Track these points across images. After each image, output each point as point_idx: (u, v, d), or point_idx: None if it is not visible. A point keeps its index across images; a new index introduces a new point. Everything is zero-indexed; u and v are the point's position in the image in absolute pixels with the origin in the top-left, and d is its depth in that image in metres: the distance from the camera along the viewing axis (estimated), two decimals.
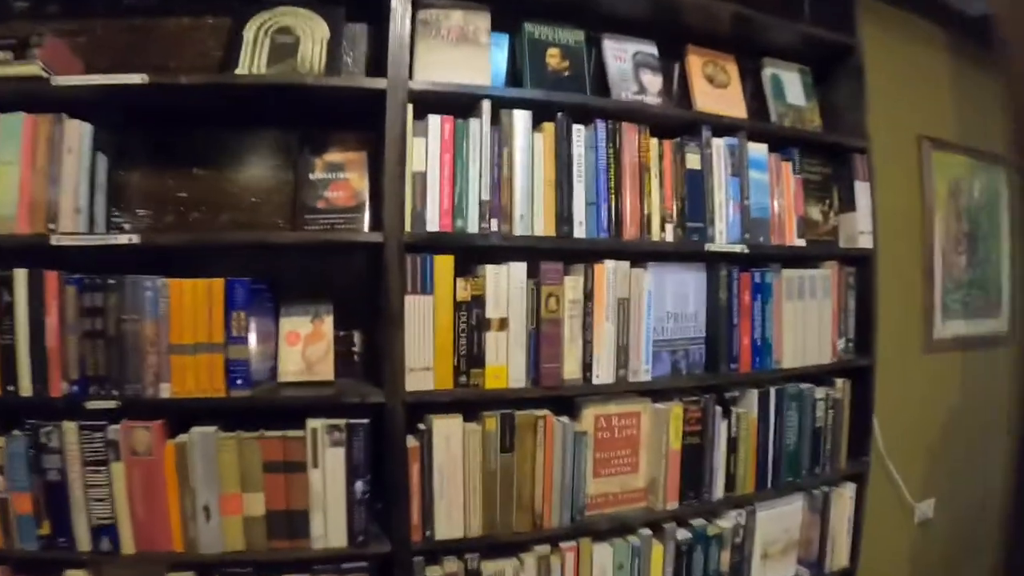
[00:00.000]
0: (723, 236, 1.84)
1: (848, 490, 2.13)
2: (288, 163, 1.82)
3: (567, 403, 1.74)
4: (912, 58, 2.69)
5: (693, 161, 1.81)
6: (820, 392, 2.03)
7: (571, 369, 1.67)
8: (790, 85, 2.18)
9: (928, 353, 2.67)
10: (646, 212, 1.74)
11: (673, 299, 1.82)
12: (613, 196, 1.70)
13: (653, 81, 1.90)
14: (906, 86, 2.62)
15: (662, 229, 1.76)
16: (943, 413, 2.80)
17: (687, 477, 1.82)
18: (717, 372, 1.85)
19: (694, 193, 1.81)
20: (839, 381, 2.07)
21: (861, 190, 2.10)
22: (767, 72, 2.13)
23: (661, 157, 1.78)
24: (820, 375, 2.05)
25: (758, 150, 1.92)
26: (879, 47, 2.30)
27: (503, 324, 1.61)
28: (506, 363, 1.61)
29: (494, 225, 1.60)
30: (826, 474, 2.07)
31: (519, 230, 1.61)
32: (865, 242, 2.09)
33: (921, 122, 2.70)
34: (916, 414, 2.67)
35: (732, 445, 1.88)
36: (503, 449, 1.62)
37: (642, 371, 1.74)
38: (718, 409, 1.86)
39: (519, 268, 1.62)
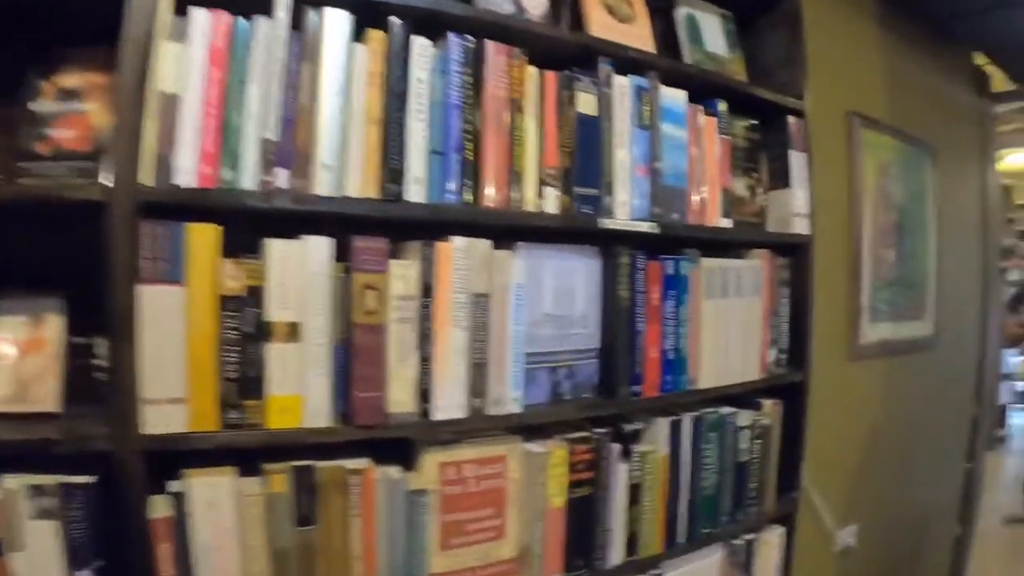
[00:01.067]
0: (625, 209, 1.33)
1: (775, 535, 1.69)
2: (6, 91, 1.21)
3: (398, 448, 1.17)
4: (843, 25, 2.30)
5: (587, 103, 1.29)
6: (745, 417, 1.56)
7: (400, 398, 1.11)
8: (709, 30, 1.71)
9: (854, 361, 2.28)
10: (517, 169, 1.21)
11: (554, 296, 1.31)
12: (469, 144, 1.16)
13: (535, 2, 1.38)
14: (835, 55, 2.22)
15: (540, 195, 1.24)
16: (866, 429, 2.44)
17: (574, 540, 1.31)
18: (614, 397, 1.34)
19: (587, 147, 1.29)
20: (767, 403, 1.62)
21: (797, 162, 1.66)
22: (681, 12, 1.65)
23: (542, 94, 1.25)
24: (745, 396, 1.59)
25: (675, 98, 1.43)
26: (807, 8, 1.90)
27: (294, 332, 1.05)
28: (299, 391, 1.05)
29: (282, 179, 1.03)
30: (750, 519, 1.62)
31: (323, 188, 1.05)
32: (801, 227, 1.64)
33: (851, 97, 2.31)
34: (839, 432, 2.28)
35: (634, 494, 1.39)
36: (300, 519, 1.06)
37: (508, 399, 1.21)
38: (615, 447, 1.36)
39: (320, 246, 1.06)
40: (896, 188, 2.48)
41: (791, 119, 1.65)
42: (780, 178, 1.64)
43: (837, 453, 2.31)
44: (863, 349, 2.28)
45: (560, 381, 1.32)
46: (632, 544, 1.39)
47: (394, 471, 1.14)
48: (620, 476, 1.37)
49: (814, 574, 2.29)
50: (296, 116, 1.04)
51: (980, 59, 3.42)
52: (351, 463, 1.10)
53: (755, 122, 1.63)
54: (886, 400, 2.50)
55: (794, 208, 1.62)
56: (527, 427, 1.28)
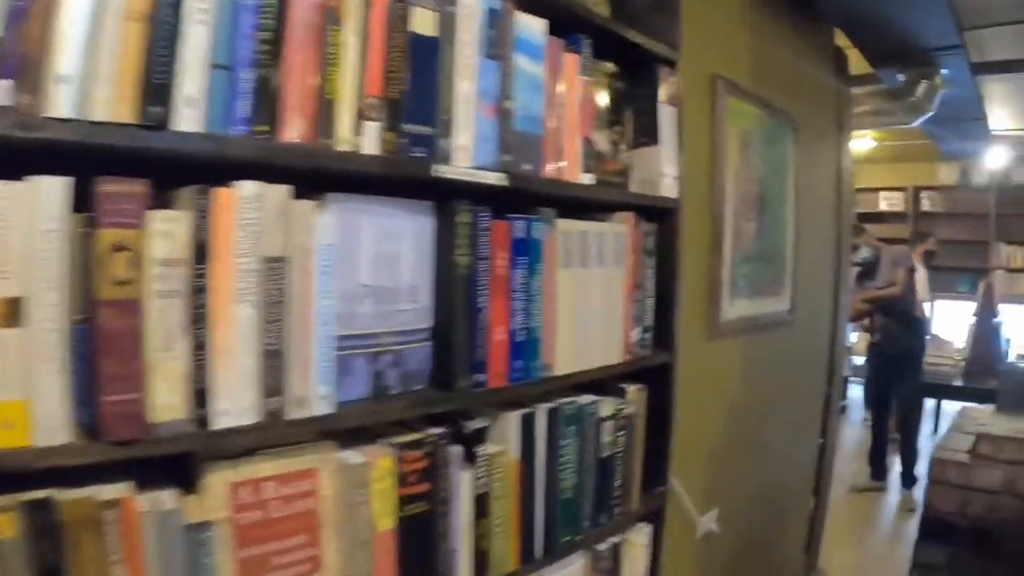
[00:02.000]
0: (466, 155, 1.10)
1: (642, 535, 1.55)
2: None
3: (172, 467, 0.88)
4: None
5: (424, 22, 1.04)
6: (608, 407, 1.39)
7: (166, 402, 0.82)
8: None
9: (713, 339, 2.19)
10: (329, 96, 0.95)
11: (375, 262, 1.06)
12: (266, 59, 0.88)
13: None
14: (701, 13, 2.09)
15: (357, 131, 0.98)
16: (725, 410, 2.37)
17: (410, 568, 1.07)
18: (452, 389, 1.12)
19: (422, 76, 1.04)
20: (631, 388, 1.45)
21: (666, 118, 1.50)
22: None
23: (368, 3, 1.01)
24: (607, 382, 1.43)
25: (532, 27, 1.22)
26: None
27: (13, 312, 0.75)
28: (23, 395, 0.75)
29: (2, 94, 0.75)
30: (616, 520, 1.46)
31: (58, 108, 0.73)
32: (669, 189, 1.49)
33: (717, 59, 2.19)
34: (699, 415, 2.19)
35: (482, 505, 1.18)
36: (42, 573, 0.79)
37: (314, 398, 0.96)
38: (456, 451, 1.14)
39: (52, 190, 0.75)
40: (758, 159, 2.41)
41: (662, 69, 1.50)
42: (647, 134, 1.48)
43: (697, 437, 2.21)
44: (723, 326, 2.20)
45: (384, 371, 1.08)
46: (481, 564, 1.18)
47: (166, 498, 0.85)
48: (464, 486, 1.15)
49: (676, 564, 2.19)
50: (27, 8, 0.75)
51: (840, 40, 3.50)
52: (106, 491, 0.82)
53: (621, 70, 1.46)
54: (745, 379, 2.44)
55: (661, 168, 1.46)
56: (344, 432, 1.03)
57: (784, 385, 2.81)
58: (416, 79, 1.04)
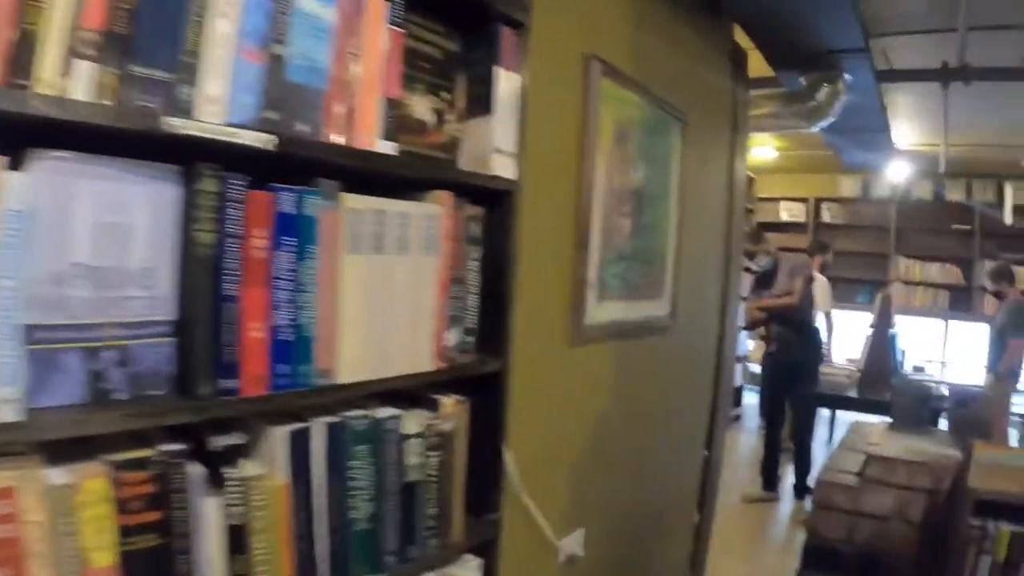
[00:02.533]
0: (218, 108, 0.88)
1: (469, 569, 1.36)
2: None
3: None
4: None
5: None
6: (415, 422, 1.20)
7: None
8: None
9: (578, 345, 2.01)
10: (29, 27, 0.72)
11: (94, 236, 0.84)
12: None
13: None
14: None
15: (66, 72, 0.76)
16: (593, 421, 2.21)
17: None
18: (194, 396, 0.91)
19: (161, 6, 0.83)
20: (447, 401, 1.26)
21: (507, 85, 1.31)
22: None
23: None
24: (413, 392, 1.23)
25: None
26: None
27: None
28: None
29: None
30: (430, 553, 1.27)
31: None
32: (504, 169, 1.30)
33: (591, 38, 2.02)
34: (560, 427, 2.02)
35: (238, 539, 0.97)
36: None
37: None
38: (196, 472, 0.93)
39: None
40: (637, 152, 2.26)
41: (504, 29, 1.31)
42: (482, 104, 1.29)
43: (558, 451, 2.05)
44: (589, 331, 2.03)
45: (106, 371, 0.87)
46: None
47: None
48: (209, 515, 0.94)
49: None
50: None
51: (743, 42, 3.41)
52: None
53: (455, 28, 1.27)
54: (616, 388, 2.29)
55: (496, 144, 1.27)
56: (47, 445, 0.81)
57: (664, 394, 2.68)
58: (152, 11, 0.82)
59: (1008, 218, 9.16)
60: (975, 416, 2.93)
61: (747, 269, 5.69)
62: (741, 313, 5.98)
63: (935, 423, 5.13)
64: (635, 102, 2.24)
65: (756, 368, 6.82)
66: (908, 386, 3.45)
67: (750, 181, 10.08)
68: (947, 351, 9.83)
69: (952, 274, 9.97)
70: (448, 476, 1.28)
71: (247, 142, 0.91)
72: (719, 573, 3.71)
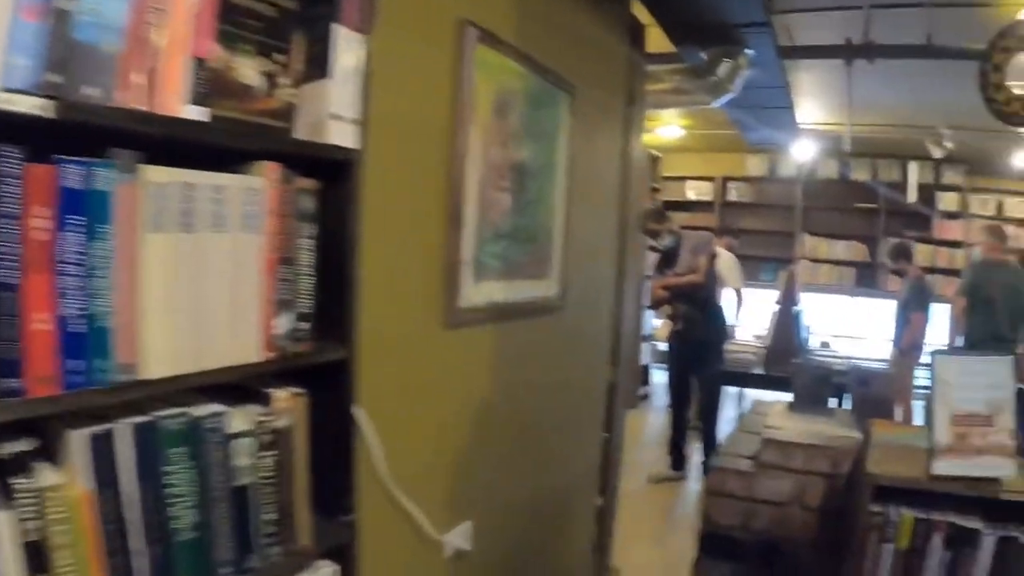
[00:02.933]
0: None
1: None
2: None
3: None
4: None
5: None
6: (242, 419, 1.11)
7: None
8: None
9: (452, 328, 1.95)
10: None
11: None
12: None
13: None
14: None
15: None
16: (475, 409, 2.16)
17: None
18: None
19: None
20: (282, 394, 1.17)
21: (347, 46, 1.23)
22: None
23: None
24: (240, 386, 1.15)
25: None
26: None
27: None
28: None
29: None
30: (274, 561, 1.19)
31: None
32: (343, 137, 1.22)
33: (468, 2, 1.96)
34: (436, 415, 1.97)
35: (37, 557, 0.87)
36: None
37: None
38: None
39: None
40: (520, 124, 2.21)
41: None
42: (319, 65, 1.21)
43: (436, 441, 1.99)
44: (465, 313, 1.97)
45: None
46: None
47: None
48: (1, 531, 0.85)
49: None
50: None
51: (640, 12, 3.39)
52: None
53: None
54: (500, 372, 2.24)
55: (333, 109, 1.19)
56: None
57: (555, 376, 2.66)
58: None
59: (912, 197, 9.53)
60: (877, 394, 2.96)
61: (652, 248, 5.77)
62: (648, 292, 6.08)
63: (840, 402, 5.32)
64: (517, 71, 2.18)
65: (664, 347, 6.92)
66: (808, 365, 3.44)
67: (655, 160, 10.19)
68: (853, 327, 10.19)
69: (857, 251, 10.36)
70: (287, 477, 1.20)
71: (23, 109, 0.81)
72: (626, 557, 3.73)
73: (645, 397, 8.05)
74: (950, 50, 4.60)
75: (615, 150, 3.18)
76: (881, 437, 2.29)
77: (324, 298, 1.22)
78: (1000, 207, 10.55)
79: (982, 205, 10.55)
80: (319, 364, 1.22)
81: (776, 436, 2.61)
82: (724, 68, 4.52)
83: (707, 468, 5.35)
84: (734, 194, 11.09)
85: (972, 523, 1.87)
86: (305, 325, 1.19)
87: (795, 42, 5.42)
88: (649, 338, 8.13)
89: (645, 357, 8.05)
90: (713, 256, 5.48)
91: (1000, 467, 1.92)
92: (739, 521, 2.55)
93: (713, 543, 2.60)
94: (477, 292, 2.02)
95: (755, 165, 11.02)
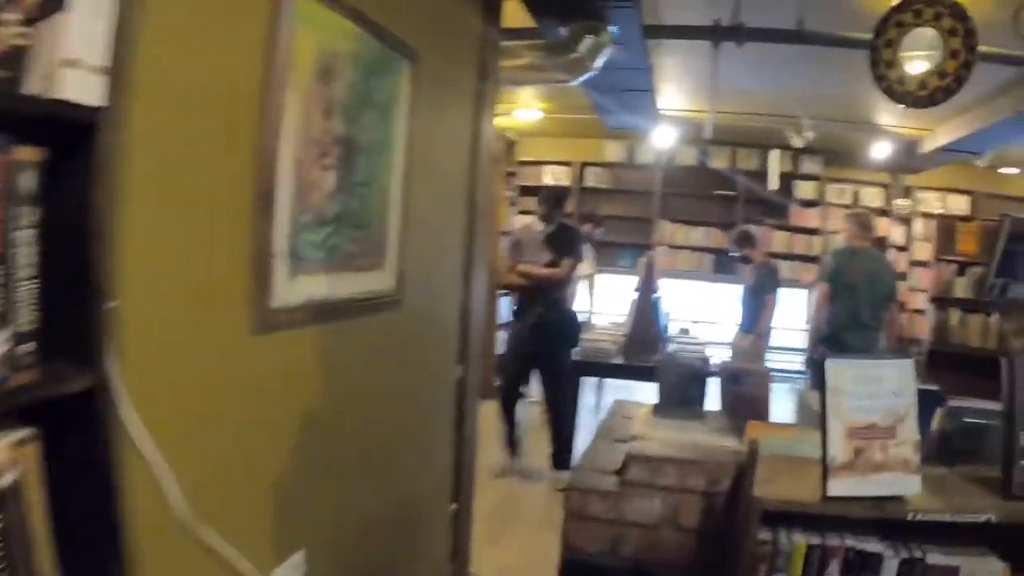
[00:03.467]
0: None
1: None
2: None
3: None
4: None
5: None
6: None
7: None
8: None
9: (263, 333, 1.68)
10: None
11: None
12: None
13: None
14: None
15: None
16: (298, 423, 1.90)
17: None
18: None
19: None
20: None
21: None
22: None
23: None
24: None
25: None
26: None
27: None
28: None
29: None
30: None
31: None
32: (82, 91, 0.95)
33: None
34: (248, 437, 1.70)
35: None
36: None
37: None
38: None
39: None
40: (349, 91, 1.96)
41: None
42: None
43: (250, 467, 1.73)
44: (279, 315, 1.70)
45: None
46: None
47: None
48: None
49: None
50: None
51: None
52: None
53: None
54: (327, 381, 1.99)
55: (68, 52, 0.93)
56: None
57: (394, 379, 2.44)
58: None
59: (772, 185, 9.88)
60: (749, 392, 2.83)
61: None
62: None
63: (702, 400, 5.34)
64: (349, 30, 1.93)
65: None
66: (673, 366, 3.23)
67: (512, 144, 10.12)
68: (711, 312, 10.52)
69: (715, 238, 10.67)
70: (23, 543, 0.93)
71: None
72: (486, 561, 3.64)
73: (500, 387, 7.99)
74: (822, 36, 4.66)
75: (464, 127, 2.98)
76: (762, 445, 2.16)
77: (57, 309, 0.94)
78: (856, 196, 11.17)
79: (839, 194, 11.15)
80: (56, 397, 0.95)
81: (643, 450, 2.37)
82: (585, 45, 4.40)
83: (557, 460, 5.37)
84: (592, 180, 11.21)
85: (872, 546, 1.77)
86: (28, 346, 0.91)
87: (662, 21, 5.39)
88: (506, 325, 8.06)
89: (501, 346, 7.96)
90: (579, 260, 5.50)
91: (903, 484, 1.79)
92: (605, 546, 2.32)
93: (576, 571, 2.37)
94: (294, 289, 1.76)
95: (614, 151, 11.17)
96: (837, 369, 1.82)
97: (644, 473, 2.30)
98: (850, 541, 1.78)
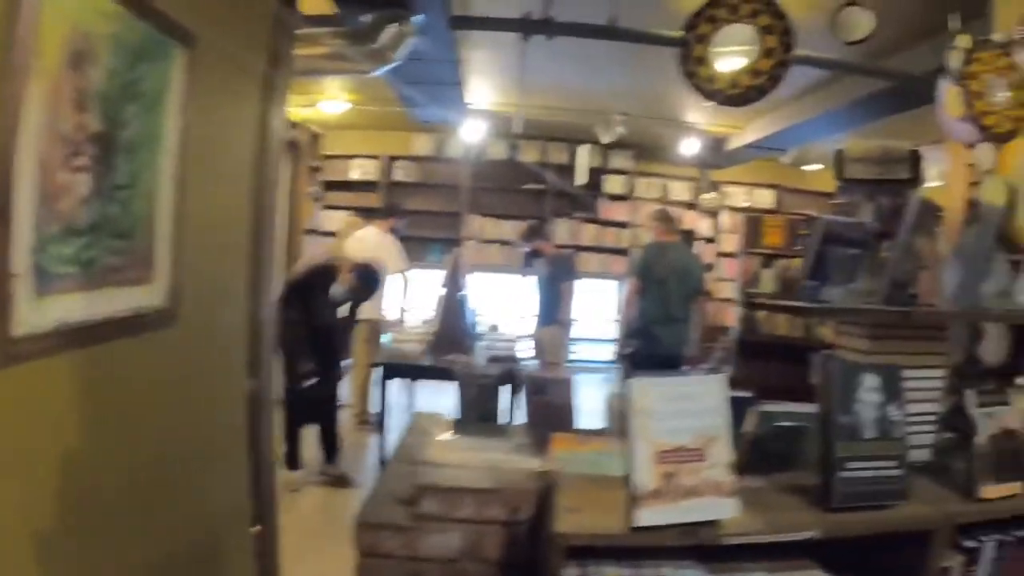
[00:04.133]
0: None
1: None
2: None
3: None
4: None
5: None
6: None
7: None
8: None
9: (5, 366, 1.47)
10: None
11: None
12: None
13: None
14: None
15: None
16: (58, 464, 1.68)
17: None
18: None
19: None
20: None
21: None
22: None
23: None
24: None
25: None
26: None
27: None
28: None
29: None
30: None
31: None
32: None
33: None
34: None
35: None
36: None
37: None
38: None
39: None
40: (108, 80, 1.75)
41: None
42: None
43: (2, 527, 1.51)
44: (22, 344, 1.47)
45: None
46: None
47: None
48: None
49: None
50: None
51: None
52: None
53: None
54: (91, 412, 1.78)
55: None
56: None
57: (169, 401, 2.23)
58: None
59: (580, 179, 10.17)
60: (555, 401, 2.77)
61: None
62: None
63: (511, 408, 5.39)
64: (108, 10, 1.72)
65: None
66: (473, 372, 3.11)
67: (316, 137, 9.82)
68: (524, 307, 10.73)
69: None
70: None
71: None
72: None
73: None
74: (633, 32, 4.76)
75: (251, 120, 2.79)
76: (568, 463, 2.12)
77: None
78: (665, 190, 11.72)
79: (648, 188, 11.66)
80: None
81: (436, 480, 2.21)
82: (388, 34, 4.29)
83: (321, 471, 5.52)
84: (400, 174, 11.14)
85: (691, 573, 1.75)
86: None
87: (471, 12, 5.36)
88: None
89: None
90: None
91: (716, 508, 1.74)
92: None
93: None
94: (42, 312, 1.54)
95: (423, 144, 11.16)
96: (643, 388, 1.75)
97: (439, 506, 2.16)
98: (667, 570, 1.74)
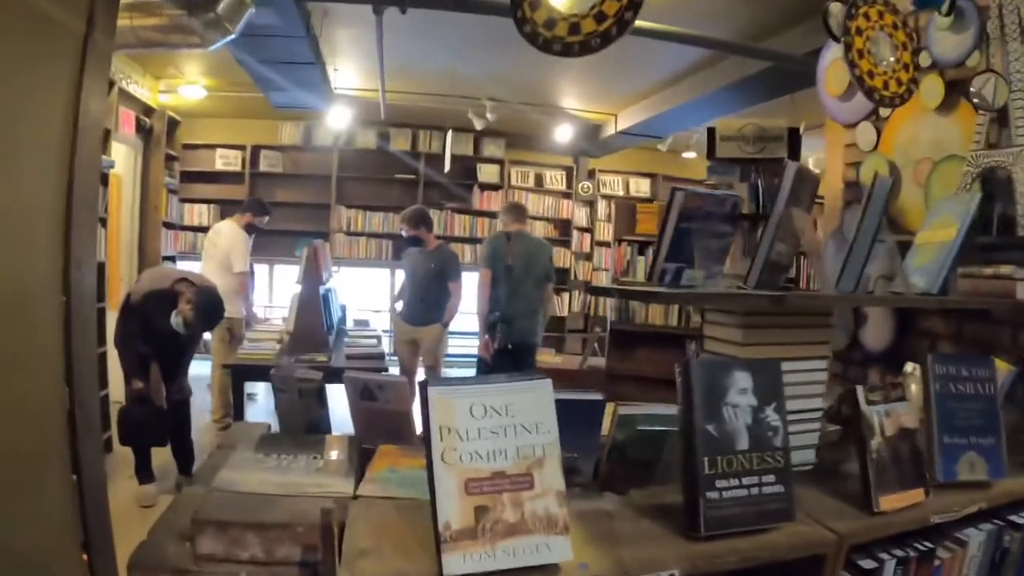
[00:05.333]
0: None
1: None
2: None
3: None
4: None
5: None
6: None
7: None
8: None
9: None
10: None
11: None
12: None
13: None
14: None
15: None
16: None
17: None
18: None
19: None
20: None
21: None
22: None
23: None
24: None
25: None
26: None
27: None
28: None
29: None
30: None
31: None
32: None
33: None
34: None
35: None
36: None
37: None
38: None
39: None
40: None
41: None
42: None
43: None
44: None
45: None
46: None
47: None
48: None
49: None
50: None
51: None
52: None
53: None
54: None
55: None
56: None
57: None
58: None
59: (447, 167, 9.91)
60: (387, 408, 2.30)
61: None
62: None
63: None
64: None
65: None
66: (288, 377, 2.52)
67: (175, 124, 9.23)
68: (388, 301, 10.43)
69: (396, 224, 10.62)
70: None
71: None
72: None
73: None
74: (484, 4, 4.58)
75: (61, 93, 2.42)
76: (382, 487, 1.76)
77: None
78: (539, 179, 11.59)
79: (522, 177, 11.51)
80: None
81: (215, 514, 1.73)
82: (225, 5, 3.93)
83: (177, 484, 5.21)
84: (266, 164, 10.67)
85: None
86: None
87: None
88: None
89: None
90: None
91: (548, 549, 1.35)
92: None
93: None
94: None
95: (289, 133, 10.75)
96: (443, 400, 1.37)
97: (219, 545, 1.70)
98: None
